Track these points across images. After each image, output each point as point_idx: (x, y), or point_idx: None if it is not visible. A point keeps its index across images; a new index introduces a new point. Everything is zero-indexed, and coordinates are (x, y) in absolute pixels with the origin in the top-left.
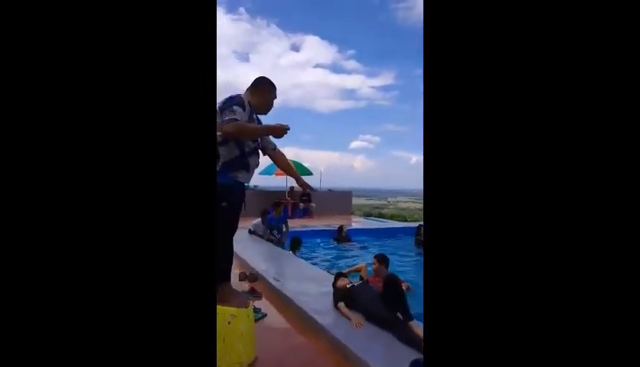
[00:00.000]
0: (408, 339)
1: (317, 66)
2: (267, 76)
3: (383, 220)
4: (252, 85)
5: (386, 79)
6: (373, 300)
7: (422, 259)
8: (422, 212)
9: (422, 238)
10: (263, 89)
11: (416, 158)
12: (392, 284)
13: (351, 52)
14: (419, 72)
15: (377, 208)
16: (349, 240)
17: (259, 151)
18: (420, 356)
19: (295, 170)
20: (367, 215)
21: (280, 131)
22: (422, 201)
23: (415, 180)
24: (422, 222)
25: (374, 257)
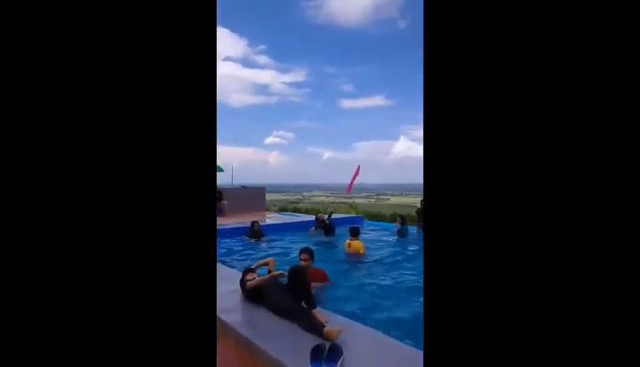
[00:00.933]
0: (311, 326)
1: (227, 58)
2: None
3: (298, 214)
4: None
5: (297, 75)
6: (278, 292)
7: (320, 249)
8: (334, 205)
9: (317, 229)
10: None
11: (328, 154)
12: (295, 274)
13: (262, 47)
14: (330, 70)
15: (292, 203)
16: (262, 235)
17: None
18: (321, 341)
19: None
20: (283, 210)
21: None
22: (335, 195)
23: (328, 176)
24: (318, 215)
25: (304, 251)
